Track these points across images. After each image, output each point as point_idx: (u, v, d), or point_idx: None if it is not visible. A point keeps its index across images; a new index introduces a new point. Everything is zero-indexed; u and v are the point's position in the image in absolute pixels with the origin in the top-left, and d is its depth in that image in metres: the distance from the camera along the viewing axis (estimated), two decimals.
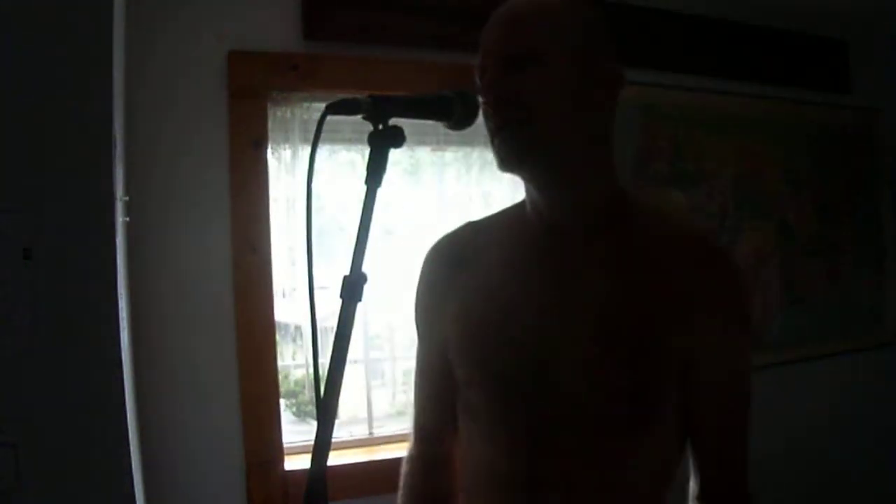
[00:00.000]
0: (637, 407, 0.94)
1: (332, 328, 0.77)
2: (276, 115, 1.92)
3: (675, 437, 0.99)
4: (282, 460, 1.85)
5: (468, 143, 2.11)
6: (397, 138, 0.81)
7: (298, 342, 1.98)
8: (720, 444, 1.00)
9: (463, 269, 1.05)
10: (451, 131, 0.94)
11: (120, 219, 1.31)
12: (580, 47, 0.93)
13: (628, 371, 0.93)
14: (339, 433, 2.03)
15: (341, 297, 0.77)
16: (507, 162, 0.94)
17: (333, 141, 2.00)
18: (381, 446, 2.06)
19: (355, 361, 2.07)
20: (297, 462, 1.87)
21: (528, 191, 1.01)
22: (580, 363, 0.94)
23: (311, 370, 0.98)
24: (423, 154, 2.16)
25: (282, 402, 1.92)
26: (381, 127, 0.81)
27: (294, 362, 2.03)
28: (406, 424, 2.12)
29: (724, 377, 0.98)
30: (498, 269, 1.02)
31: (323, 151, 2.02)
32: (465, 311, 1.03)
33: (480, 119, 0.94)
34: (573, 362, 0.94)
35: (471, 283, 1.03)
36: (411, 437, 1.16)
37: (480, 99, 0.93)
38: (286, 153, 1.93)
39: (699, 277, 0.95)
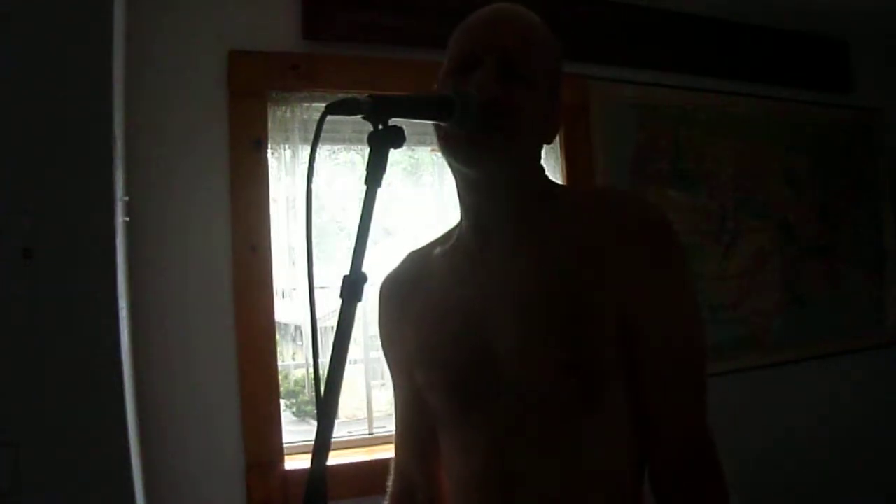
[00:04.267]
0: (580, 380, 0.91)
1: (332, 328, 0.77)
2: (276, 115, 1.92)
3: (634, 416, 0.95)
4: (282, 460, 1.85)
5: None
6: (397, 138, 0.81)
7: (298, 342, 1.98)
8: (673, 404, 0.94)
9: (411, 296, 1.09)
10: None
11: (120, 219, 1.31)
12: (559, 69, 1.01)
13: (563, 345, 0.91)
14: (339, 433, 2.03)
15: (341, 297, 0.77)
16: (472, 160, 0.94)
17: (333, 141, 2.00)
18: (381, 446, 2.05)
19: (355, 361, 2.07)
20: (297, 462, 1.87)
21: (462, 197, 1.02)
22: (520, 349, 0.94)
23: (311, 370, 0.98)
24: (423, 154, 2.16)
25: (282, 402, 1.92)
26: (381, 127, 0.80)
27: (294, 362, 2.03)
28: None
29: (664, 332, 0.94)
30: (443, 282, 1.05)
31: (323, 151, 2.03)
32: (419, 327, 1.06)
33: None
34: (512, 350, 0.95)
35: (420, 304, 1.06)
36: (390, 474, 1.18)
37: (468, 90, 0.91)
38: (286, 153, 1.93)
39: (619, 231, 0.93)
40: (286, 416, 2.01)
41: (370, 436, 2.07)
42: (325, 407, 0.76)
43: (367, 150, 0.81)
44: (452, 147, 0.94)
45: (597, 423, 0.93)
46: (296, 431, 2.04)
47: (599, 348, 0.92)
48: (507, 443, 0.95)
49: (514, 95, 0.92)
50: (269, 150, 1.89)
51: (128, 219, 1.51)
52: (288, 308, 1.94)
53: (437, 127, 0.94)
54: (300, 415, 2.20)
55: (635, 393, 0.95)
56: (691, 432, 0.95)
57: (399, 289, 1.12)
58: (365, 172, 0.80)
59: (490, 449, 0.97)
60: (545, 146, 1.06)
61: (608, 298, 0.92)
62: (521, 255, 0.97)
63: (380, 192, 0.80)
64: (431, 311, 1.05)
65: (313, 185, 0.77)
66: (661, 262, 0.94)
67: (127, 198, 1.50)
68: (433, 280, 1.07)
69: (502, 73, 0.92)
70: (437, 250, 1.09)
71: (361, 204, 0.78)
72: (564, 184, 1.12)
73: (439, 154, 2.14)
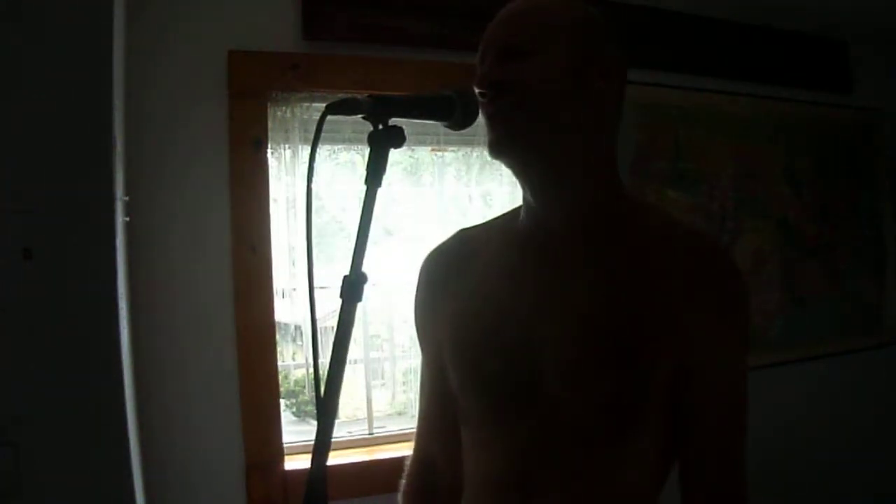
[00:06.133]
0: (619, 412, 0.91)
1: (332, 328, 0.77)
2: (276, 115, 1.91)
3: (663, 447, 0.96)
4: (282, 460, 1.85)
5: (468, 143, 2.11)
6: (397, 138, 0.81)
7: (298, 342, 1.98)
8: (718, 451, 0.95)
9: (455, 277, 1.05)
10: (451, 131, 0.93)
11: (120, 219, 1.31)
12: (579, 40, 0.93)
13: (609, 375, 0.91)
14: (339, 433, 2.03)
15: (341, 297, 0.77)
16: (501, 143, 0.92)
17: (333, 141, 2.00)
18: (381, 446, 2.06)
19: (355, 361, 2.07)
20: (297, 462, 1.87)
21: (523, 192, 1.00)
22: (563, 367, 0.93)
23: (311, 370, 0.98)
24: (423, 154, 2.16)
25: (282, 402, 1.92)
26: (381, 127, 0.80)
27: (294, 362, 2.03)
28: (406, 424, 2.13)
29: (721, 382, 0.94)
30: (490, 274, 1.02)
31: (323, 151, 2.02)
32: (458, 315, 1.03)
33: (480, 119, 0.93)
34: (557, 366, 0.93)
35: (464, 288, 1.03)
36: (410, 456, 1.17)
37: (476, 89, 0.92)
38: (286, 153, 1.93)
39: (695, 279, 0.92)
40: (286, 416, 2.00)
41: (370, 436, 2.07)
42: (325, 407, 0.76)
43: (367, 150, 0.81)
44: (487, 145, 0.94)
45: (624, 452, 0.93)
46: (296, 431, 2.03)
47: (646, 388, 0.91)
48: (531, 452, 0.94)
49: (511, 70, 0.91)
50: (269, 150, 1.89)
51: (128, 219, 1.51)
52: (288, 308, 1.93)
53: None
54: (300, 415, 2.20)
55: (671, 431, 0.95)
56: (729, 482, 0.95)
57: (444, 267, 1.08)
58: (365, 172, 0.80)
59: (512, 456, 0.96)
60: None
61: (668, 343, 0.91)
62: (583, 269, 0.95)
63: (380, 192, 0.80)
64: (475, 301, 1.02)
65: (313, 185, 0.77)
66: (730, 320, 0.94)
67: (127, 198, 1.50)
68: (482, 267, 1.03)
69: (501, 60, 0.92)
70: (494, 235, 1.06)
71: (361, 204, 0.78)
72: (638, 195, 1.06)
73: (439, 154, 2.15)
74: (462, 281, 1.04)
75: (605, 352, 0.91)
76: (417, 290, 1.12)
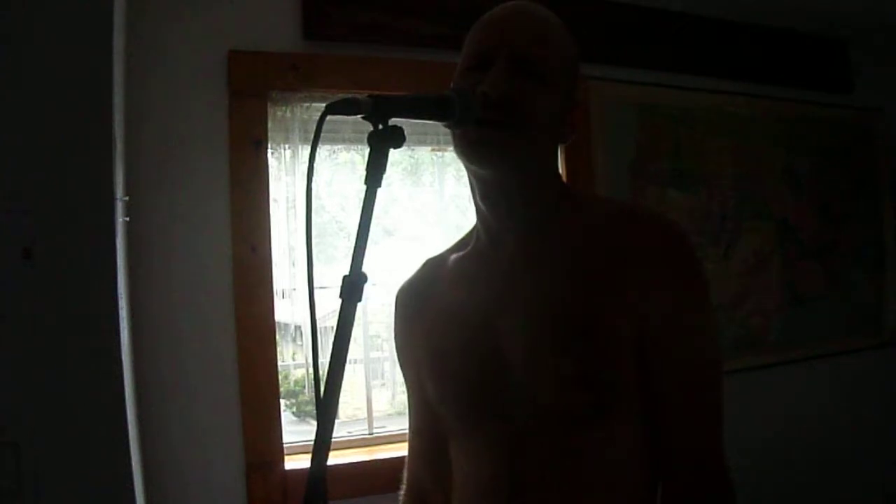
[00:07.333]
0: (589, 392, 0.91)
1: (332, 328, 0.77)
2: (276, 115, 1.91)
3: (646, 426, 0.94)
4: (282, 460, 1.85)
5: None
6: (397, 138, 0.81)
7: (298, 342, 1.98)
8: (689, 420, 0.93)
9: (426, 304, 1.09)
10: (450, 131, 0.94)
11: (120, 219, 1.31)
12: (577, 67, 1.00)
13: (575, 358, 0.91)
14: (339, 433, 2.03)
15: (341, 297, 0.77)
16: (491, 154, 0.93)
17: (333, 141, 2.00)
18: (381, 446, 2.06)
19: (355, 361, 2.07)
20: (297, 462, 1.87)
21: (477, 203, 1.02)
22: (532, 359, 0.94)
23: (311, 370, 0.98)
24: (423, 154, 2.16)
25: (282, 402, 1.92)
26: (381, 127, 0.80)
27: (294, 362, 2.03)
28: (406, 424, 2.13)
29: (681, 344, 0.93)
30: (455, 291, 1.05)
31: (323, 151, 2.03)
32: (431, 336, 1.06)
33: None
34: (525, 360, 0.94)
35: (434, 312, 1.07)
36: (403, 483, 1.18)
37: (482, 90, 0.92)
38: (286, 153, 1.93)
39: (635, 248, 0.92)
40: (286, 416, 2.01)
41: (370, 436, 2.07)
42: (325, 407, 0.76)
43: (367, 150, 0.81)
44: (464, 146, 0.94)
45: (608, 435, 0.93)
46: (296, 431, 2.04)
47: (612, 363, 0.91)
48: (516, 452, 0.95)
49: (524, 92, 0.92)
50: (269, 150, 1.89)
51: (128, 219, 1.51)
52: (288, 308, 1.94)
53: (451, 130, 0.94)
54: (300, 415, 2.20)
55: (652, 409, 0.94)
56: (705, 464, 0.93)
57: (413, 297, 1.12)
58: (365, 172, 0.80)
59: (499, 457, 0.96)
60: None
61: (625, 316, 0.91)
62: (536, 265, 0.97)
63: (380, 192, 0.80)
64: (443, 319, 1.04)
65: (313, 185, 0.77)
66: (682, 285, 0.94)
67: (127, 198, 1.50)
68: (446, 287, 1.06)
69: (514, 70, 0.92)
70: (453, 257, 1.09)
71: (361, 204, 0.78)
72: (581, 192, 1.11)
73: (439, 154, 2.15)
74: (430, 306, 1.08)
75: (560, 332, 0.93)
76: (395, 324, 1.16)
